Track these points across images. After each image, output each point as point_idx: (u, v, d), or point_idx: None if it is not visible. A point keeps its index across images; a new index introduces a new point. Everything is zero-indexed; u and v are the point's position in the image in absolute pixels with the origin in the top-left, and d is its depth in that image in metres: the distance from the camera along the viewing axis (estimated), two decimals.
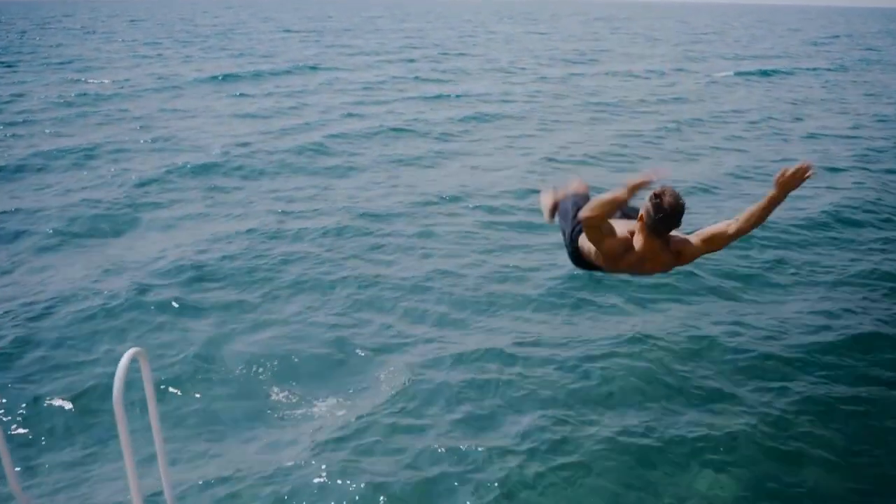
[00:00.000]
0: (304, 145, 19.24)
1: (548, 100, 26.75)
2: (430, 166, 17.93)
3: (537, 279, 11.03)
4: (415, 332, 9.40)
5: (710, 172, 17.38)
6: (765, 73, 32.89)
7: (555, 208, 5.20)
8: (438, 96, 26.71)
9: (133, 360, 3.32)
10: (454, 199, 14.88)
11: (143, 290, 10.45)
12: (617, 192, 4.02)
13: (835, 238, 13.00)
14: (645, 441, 7.37)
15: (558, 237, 12.80)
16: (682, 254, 4.30)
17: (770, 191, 4.17)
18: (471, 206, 14.51)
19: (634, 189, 3.97)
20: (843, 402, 8.23)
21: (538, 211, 14.24)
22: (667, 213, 4.06)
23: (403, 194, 15.24)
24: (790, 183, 4.13)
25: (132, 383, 7.71)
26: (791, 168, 4.04)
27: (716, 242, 4.29)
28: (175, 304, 10.04)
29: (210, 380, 8.28)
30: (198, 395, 8.02)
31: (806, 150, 19.94)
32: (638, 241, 4.22)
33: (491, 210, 14.26)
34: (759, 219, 4.21)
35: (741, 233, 4.22)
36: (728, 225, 4.25)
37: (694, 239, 4.32)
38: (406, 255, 11.96)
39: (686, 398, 8.14)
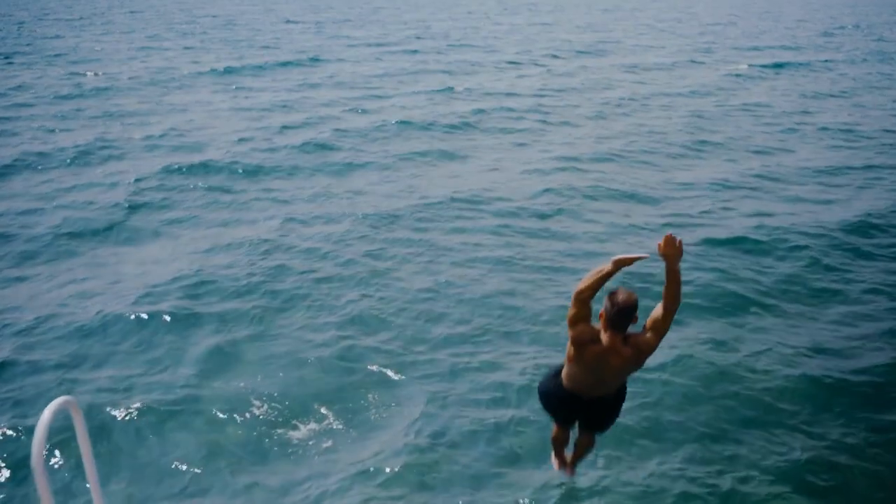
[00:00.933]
0: (307, 141, 18.56)
1: (560, 94, 25.93)
2: (439, 164, 17.22)
3: (558, 289, 10.35)
4: (429, 352, 8.72)
5: (729, 170, 16.67)
6: (779, 66, 32.03)
7: (561, 460, 5.85)
8: (445, 90, 25.84)
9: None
10: (467, 200, 14.19)
11: (136, 303, 9.80)
12: (604, 266, 4.62)
13: (873, 244, 12.28)
14: (684, 477, 6.72)
15: (581, 245, 12.05)
16: (640, 346, 4.68)
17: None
18: (486, 208, 13.82)
19: (620, 264, 4.56)
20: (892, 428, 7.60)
21: (559, 214, 13.55)
22: (621, 307, 4.55)
23: (414, 195, 14.55)
24: (668, 253, 4.47)
25: (109, 424, 7.07)
26: (661, 241, 4.49)
27: (657, 327, 4.68)
28: (168, 320, 9.38)
29: (202, 410, 7.61)
30: (188, 429, 7.34)
31: (829, 146, 19.21)
32: (602, 336, 4.69)
33: (506, 214, 13.56)
34: (671, 294, 4.60)
35: (667, 313, 4.66)
36: (657, 309, 4.72)
37: (644, 331, 4.76)
38: (418, 264, 11.29)
39: (726, 426, 7.49)
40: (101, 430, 7.15)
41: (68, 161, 16.98)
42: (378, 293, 10.16)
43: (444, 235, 12.45)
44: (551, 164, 16.92)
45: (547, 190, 14.90)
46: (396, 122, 20.60)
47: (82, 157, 17.34)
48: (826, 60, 34.62)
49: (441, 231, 12.65)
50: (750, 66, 31.85)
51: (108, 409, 7.48)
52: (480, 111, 22.30)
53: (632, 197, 14.70)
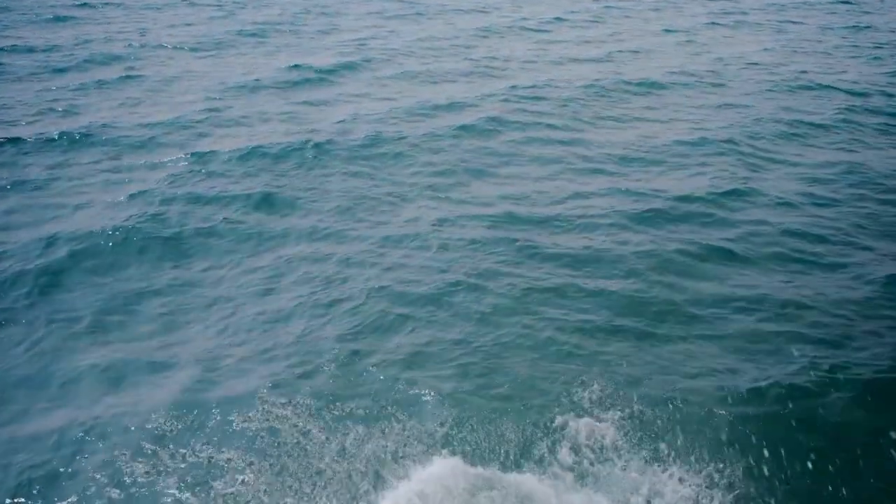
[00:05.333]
0: (324, 130, 15.99)
1: (608, 64, 22.77)
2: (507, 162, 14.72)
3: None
4: None
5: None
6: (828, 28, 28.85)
7: None
8: (471, 73, 22.35)
9: None
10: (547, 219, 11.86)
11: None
12: None
13: None
14: None
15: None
16: None
17: None
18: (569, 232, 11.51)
19: None
20: None
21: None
22: None
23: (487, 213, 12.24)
24: None
25: None
26: None
27: None
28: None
29: None
30: None
31: None
32: None
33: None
34: None
35: None
36: None
37: None
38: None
39: None
40: None
41: (50, 156, 14.22)
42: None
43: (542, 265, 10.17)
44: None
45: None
46: (434, 106, 17.89)
47: (66, 153, 14.55)
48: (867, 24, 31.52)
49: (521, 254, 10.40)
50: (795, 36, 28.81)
51: None
52: (537, 97, 19.33)
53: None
